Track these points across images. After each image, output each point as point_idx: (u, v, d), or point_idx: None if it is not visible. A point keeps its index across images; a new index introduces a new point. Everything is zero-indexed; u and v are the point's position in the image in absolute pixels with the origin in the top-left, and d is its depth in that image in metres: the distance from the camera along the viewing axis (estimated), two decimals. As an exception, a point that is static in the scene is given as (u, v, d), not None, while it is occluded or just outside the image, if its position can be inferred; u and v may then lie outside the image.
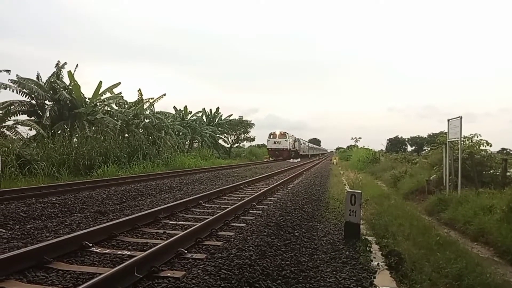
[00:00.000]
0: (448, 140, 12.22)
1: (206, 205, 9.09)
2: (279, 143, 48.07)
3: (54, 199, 8.93)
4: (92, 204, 8.92)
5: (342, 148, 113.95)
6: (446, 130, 12.69)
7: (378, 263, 5.22)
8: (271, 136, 48.94)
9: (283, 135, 48.73)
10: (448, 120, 11.98)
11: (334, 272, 4.68)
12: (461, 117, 11.09)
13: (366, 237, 6.69)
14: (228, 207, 8.05)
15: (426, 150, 37.38)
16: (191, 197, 9.36)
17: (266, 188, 12.04)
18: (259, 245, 5.17)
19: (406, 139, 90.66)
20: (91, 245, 4.96)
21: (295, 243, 5.88)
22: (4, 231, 6.12)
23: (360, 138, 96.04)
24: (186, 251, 4.85)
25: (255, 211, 8.29)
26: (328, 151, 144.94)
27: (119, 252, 4.82)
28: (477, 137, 13.67)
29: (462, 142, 11.75)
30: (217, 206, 8.98)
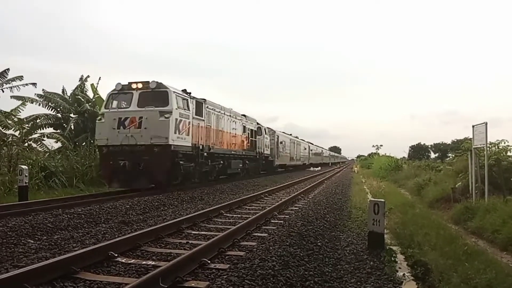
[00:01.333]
0: (473, 146, 11.93)
1: (228, 215, 9.13)
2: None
3: (79, 210, 9.12)
4: (116, 214, 9.06)
5: (363, 156, 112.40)
6: (470, 136, 12.40)
7: (404, 274, 5.12)
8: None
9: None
10: (473, 126, 11.70)
11: (359, 283, 4.61)
12: (486, 123, 10.81)
13: (391, 247, 6.56)
14: (249, 217, 8.06)
15: (451, 157, 36.54)
16: (213, 207, 9.43)
17: (287, 198, 12.00)
18: (282, 255, 5.15)
19: (429, 146, 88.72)
20: (116, 255, 5.05)
21: (318, 253, 5.82)
22: (32, 241, 6.29)
23: (381, 145, 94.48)
24: (209, 261, 4.88)
25: (276, 221, 8.27)
26: (349, 159, 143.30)
27: (144, 262, 4.89)
28: (504, 142, 13.30)
29: (488, 149, 11.44)
30: (239, 216, 9.01)
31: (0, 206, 9.66)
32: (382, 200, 6.62)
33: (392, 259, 5.79)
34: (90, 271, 4.49)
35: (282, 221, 8.14)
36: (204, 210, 8.85)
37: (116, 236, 6.45)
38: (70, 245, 5.91)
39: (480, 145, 11.38)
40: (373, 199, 6.78)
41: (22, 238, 6.42)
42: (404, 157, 48.59)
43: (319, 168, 48.69)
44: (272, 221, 8.30)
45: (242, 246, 5.95)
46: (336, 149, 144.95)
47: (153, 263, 4.88)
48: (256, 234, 6.93)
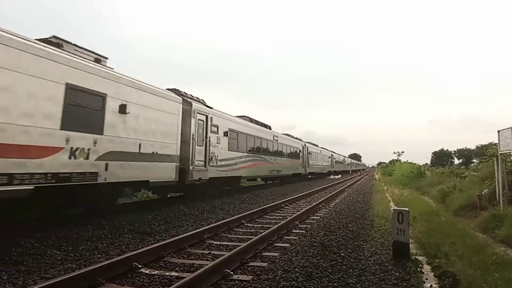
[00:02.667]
0: (499, 152, 11.60)
1: (249, 224, 9.11)
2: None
3: (103, 220, 9.26)
4: (139, 225, 9.16)
5: (384, 163, 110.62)
6: (495, 141, 12.08)
7: (431, 285, 4.99)
8: None
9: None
10: (498, 132, 11.40)
11: (385, 295, 4.52)
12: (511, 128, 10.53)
13: (416, 257, 6.41)
14: (271, 227, 8.03)
15: (475, 163, 35.58)
16: (234, 217, 9.43)
17: (308, 207, 11.90)
18: (305, 266, 5.11)
19: (453, 152, 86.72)
20: (140, 266, 5.10)
21: (341, 263, 5.74)
22: (58, 252, 6.41)
23: (402, 152, 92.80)
24: (232, 273, 4.87)
25: (298, 231, 8.20)
26: (370, 166, 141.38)
27: (167, 274, 4.92)
28: (532, 148, 12.86)
29: (515, 154, 11.11)
30: (260, 225, 8.98)
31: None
32: (406, 209, 6.49)
33: (418, 269, 5.65)
34: (115, 282, 4.55)
35: (303, 231, 8.08)
36: (225, 220, 8.86)
37: (140, 246, 6.52)
38: (95, 256, 6.01)
39: (507, 150, 11.07)
40: (397, 208, 6.65)
41: (48, 249, 6.55)
42: (426, 163, 47.56)
43: (339, 176, 48.18)
44: (293, 231, 8.24)
45: (265, 256, 5.92)
46: (356, 157, 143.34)
47: (177, 274, 4.90)
48: (278, 244, 6.88)
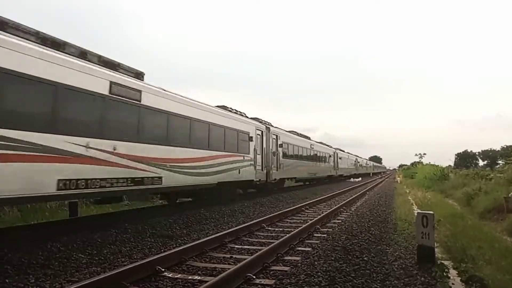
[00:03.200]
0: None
1: (269, 228, 9.09)
2: None
3: (126, 224, 9.40)
4: (161, 228, 9.26)
5: (406, 165, 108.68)
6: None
7: (458, 290, 4.86)
8: None
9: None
10: (526, 132, 11.06)
11: (410, 300, 4.42)
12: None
13: (442, 261, 6.26)
14: (292, 231, 7.98)
15: (501, 164, 34.59)
16: (254, 221, 9.42)
17: (328, 210, 11.79)
18: (328, 271, 5.05)
19: (477, 153, 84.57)
20: (163, 270, 5.15)
21: (364, 268, 5.65)
22: (83, 256, 6.53)
23: (424, 154, 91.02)
24: (254, 277, 4.86)
25: (319, 235, 8.14)
26: (390, 168, 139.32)
27: (190, 277, 4.95)
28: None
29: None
30: (280, 229, 8.95)
31: (53, 222, 10.18)
32: (431, 212, 6.35)
33: (444, 274, 5.51)
34: (139, 286, 4.60)
35: (325, 235, 8.00)
36: (245, 224, 8.86)
37: (162, 250, 6.59)
38: (119, 260, 6.10)
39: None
40: (421, 211, 6.52)
41: (73, 253, 6.68)
42: (450, 165, 46.54)
43: (360, 178, 47.65)
44: (315, 234, 8.18)
45: (286, 261, 5.89)
46: (376, 159, 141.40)
47: (199, 278, 4.93)
48: (299, 248, 6.84)
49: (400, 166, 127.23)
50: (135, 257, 6.23)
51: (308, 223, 8.87)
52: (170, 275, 5.06)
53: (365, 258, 6.16)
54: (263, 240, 7.61)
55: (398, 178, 46.08)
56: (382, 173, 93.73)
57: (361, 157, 68.46)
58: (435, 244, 6.72)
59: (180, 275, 5.10)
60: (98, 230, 8.76)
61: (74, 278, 5.00)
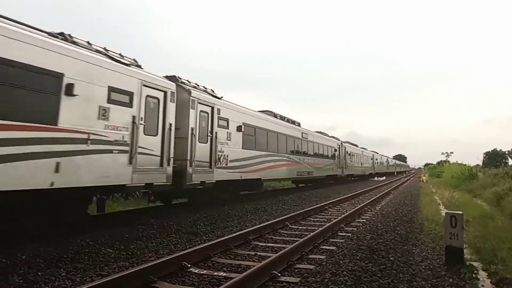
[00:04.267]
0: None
1: (293, 226, 9.07)
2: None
3: (152, 221, 9.57)
4: (186, 225, 9.38)
5: (432, 164, 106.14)
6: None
7: (488, 292, 4.73)
8: None
9: None
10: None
11: (439, 302, 4.34)
12: None
13: (471, 262, 6.10)
14: (315, 229, 7.96)
15: (533, 164, 33.37)
16: (277, 219, 9.42)
17: (353, 209, 11.67)
18: (353, 270, 5.01)
19: (506, 152, 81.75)
20: (189, 265, 5.22)
21: (390, 268, 5.58)
22: (111, 251, 6.70)
23: (451, 152, 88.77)
24: (279, 274, 4.87)
25: (344, 234, 8.07)
26: (416, 167, 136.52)
27: (216, 273, 5.01)
28: None
29: None
30: (304, 228, 8.92)
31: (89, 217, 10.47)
32: (460, 212, 6.20)
33: (474, 275, 5.38)
34: (166, 281, 4.69)
35: (350, 234, 7.93)
36: (269, 222, 8.88)
37: (187, 246, 6.68)
38: (146, 255, 6.22)
39: None
40: (450, 212, 6.37)
41: (102, 248, 6.85)
42: (478, 164, 45.18)
43: (384, 177, 46.84)
44: (339, 233, 8.12)
45: (311, 259, 5.88)
46: (401, 158, 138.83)
47: (225, 274, 4.98)
48: (324, 247, 6.81)
49: (426, 165, 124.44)
50: (162, 252, 6.34)
51: (332, 222, 8.82)
52: (196, 271, 5.13)
53: (391, 258, 6.08)
54: (287, 238, 7.61)
55: (423, 178, 45.05)
56: (406, 172, 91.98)
57: (381, 154, 59.37)
58: (464, 245, 6.56)
59: (205, 271, 5.16)
60: (125, 226, 8.97)
61: (103, 272, 5.13)
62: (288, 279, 4.78)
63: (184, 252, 5.63)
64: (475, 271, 5.57)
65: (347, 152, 33.01)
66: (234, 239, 6.89)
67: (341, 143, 31.45)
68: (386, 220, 9.75)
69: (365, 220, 9.98)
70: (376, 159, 50.90)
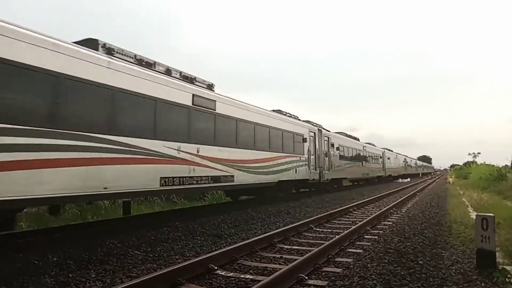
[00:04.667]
0: None
1: (318, 229, 9.01)
2: None
3: (177, 223, 9.69)
4: (210, 227, 9.46)
5: (458, 165, 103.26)
6: None
7: (524, 298, 4.57)
8: None
9: None
10: None
11: (472, 307, 4.22)
12: None
13: (504, 266, 5.91)
14: (341, 232, 7.88)
15: None
16: (301, 221, 9.37)
17: (378, 212, 11.49)
18: (382, 274, 4.93)
19: (537, 152, 78.73)
20: (216, 268, 5.25)
21: (420, 272, 5.46)
22: (138, 253, 6.81)
23: (479, 153, 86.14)
24: (306, 277, 4.84)
25: (370, 236, 7.95)
26: (441, 169, 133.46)
27: (242, 276, 5.02)
28: None
29: None
30: (329, 230, 8.84)
31: (109, 220, 10.71)
32: (491, 214, 6.01)
33: (507, 280, 5.20)
34: (194, 283, 4.73)
35: (376, 237, 7.81)
36: (293, 224, 8.84)
37: (213, 249, 6.73)
38: (172, 257, 6.29)
39: None
40: (481, 214, 6.19)
41: (129, 250, 6.98)
42: (506, 165, 43.68)
43: (409, 179, 45.95)
44: (365, 236, 8.01)
45: (338, 262, 5.81)
46: (425, 159, 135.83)
47: (251, 277, 4.98)
48: (350, 250, 6.73)
49: (452, 166, 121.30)
50: (188, 254, 6.40)
51: (357, 225, 8.70)
52: (223, 273, 5.16)
53: (420, 262, 5.95)
54: (312, 241, 7.56)
55: (450, 179, 43.92)
56: (431, 173, 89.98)
57: (409, 157, 65.72)
58: (496, 248, 6.36)
59: (232, 273, 5.18)
60: (151, 228, 9.11)
61: (132, 274, 5.22)
62: (316, 282, 4.74)
63: (211, 254, 5.67)
64: (509, 275, 5.38)
65: (388, 157, 40.66)
66: (259, 241, 6.89)
67: (384, 151, 39.79)
68: (413, 223, 9.55)
69: (391, 223, 9.81)
70: (407, 162, 57.24)
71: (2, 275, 5.20)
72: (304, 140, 18.31)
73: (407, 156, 60.46)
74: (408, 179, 45.50)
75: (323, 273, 5.20)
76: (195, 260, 5.29)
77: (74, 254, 6.46)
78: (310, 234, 8.40)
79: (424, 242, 7.52)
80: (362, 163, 29.87)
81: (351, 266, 5.37)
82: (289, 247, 7.02)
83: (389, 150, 44.70)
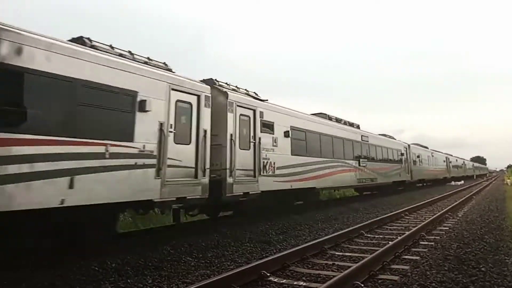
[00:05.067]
0: None
1: (369, 235, 8.76)
2: None
3: (225, 229, 9.79)
4: (258, 234, 9.47)
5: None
6: None
7: None
8: None
9: None
10: None
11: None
12: None
13: None
14: (394, 238, 7.62)
15: None
16: (352, 227, 9.16)
17: (432, 216, 11.00)
18: (442, 281, 4.70)
19: None
20: (268, 274, 5.24)
21: (483, 279, 5.14)
22: (191, 259, 6.93)
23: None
24: (362, 285, 4.71)
25: (426, 242, 7.62)
26: (497, 170, 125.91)
27: (295, 283, 4.97)
28: None
29: None
30: (381, 236, 8.57)
31: (160, 227, 11.03)
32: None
33: None
34: (248, 290, 4.74)
35: (433, 243, 7.47)
36: (344, 230, 8.66)
37: (264, 255, 6.73)
38: (224, 263, 6.35)
39: None
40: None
41: (182, 256, 7.12)
42: None
43: (462, 182, 43.69)
44: (421, 242, 7.69)
45: (394, 269, 5.61)
46: (480, 160, 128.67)
47: (305, 284, 4.92)
48: (406, 256, 6.48)
49: (509, 166, 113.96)
50: (239, 261, 6.43)
51: (411, 230, 8.37)
52: (275, 280, 5.13)
53: (483, 269, 5.61)
54: (364, 247, 7.35)
55: (508, 180, 41.26)
56: (487, 175, 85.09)
57: (455, 157, 52.00)
58: None
59: (285, 280, 5.15)
60: (201, 234, 9.26)
61: (187, 280, 5.32)
62: (373, 290, 4.60)
63: (262, 260, 5.66)
64: None
65: (416, 155, 29.38)
66: (309, 248, 6.80)
67: (408, 145, 27.97)
68: (471, 228, 9.05)
69: (448, 228, 9.34)
70: (450, 162, 45.19)
71: (66, 281, 5.48)
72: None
73: (450, 155, 47.37)
74: (462, 182, 43.26)
75: (379, 281, 5.03)
76: (248, 266, 5.31)
77: (131, 260, 6.69)
78: (362, 240, 8.18)
79: (485, 248, 7.10)
80: (358, 162, 18.61)
81: (409, 274, 5.16)
82: (340, 253, 6.88)
83: (420, 146, 33.05)
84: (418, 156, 29.07)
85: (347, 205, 16.79)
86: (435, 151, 38.27)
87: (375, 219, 10.83)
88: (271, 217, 12.14)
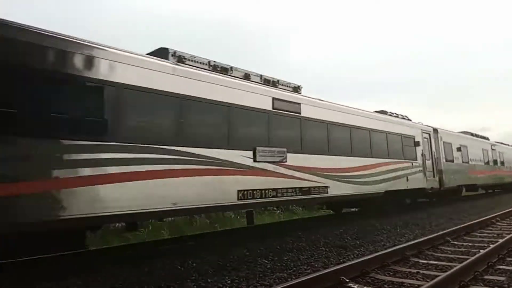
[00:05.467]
0: None
1: (456, 243, 8.11)
2: None
3: (299, 233, 9.72)
4: (333, 238, 9.26)
5: None
6: None
7: None
8: None
9: None
10: None
11: None
12: None
13: None
14: (486, 246, 6.97)
15: None
16: (435, 234, 8.56)
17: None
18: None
19: None
20: (348, 280, 5.07)
21: None
22: (266, 261, 6.97)
23: None
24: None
25: (523, 252, 6.86)
26: None
27: (377, 291, 4.75)
28: None
29: None
30: (470, 244, 7.89)
31: (234, 229, 11.28)
32: None
33: None
34: (327, 295, 4.63)
35: (531, 253, 6.71)
36: (426, 237, 8.12)
37: (341, 260, 6.55)
38: (300, 267, 6.28)
39: None
40: None
41: (258, 258, 7.19)
42: None
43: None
44: (515, 252, 6.94)
45: (488, 280, 5.12)
46: None
47: (388, 293, 4.68)
48: (501, 267, 5.88)
49: None
50: (316, 265, 6.32)
51: (505, 238, 7.60)
52: (355, 287, 4.95)
53: None
54: (451, 256, 6.81)
55: None
56: None
57: None
58: None
59: (366, 287, 4.95)
60: (275, 237, 9.29)
61: (265, 282, 5.34)
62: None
63: (341, 266, 5.50)
64: None
65: (453, 145, 23.38)
66: (390, 254, 6.46)
67: (434, 130, 20.11)
68: None
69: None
70: None
71: (154, 278, 5.82)
72: (417, 143, 15.85)
73: None
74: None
75: (473, 292, 4.63)
76: (326, 271, 5.19)
77: (211, 260, 6.92)
78: (448, 248, 7.60)
79: None
80: (494, 166, 24.80)
81: (505, 286, 4.68)
82: (425, 261, 6.45)
83: (471, 134, 23.94)
84: (459, 149, 19.93)
85: (427, 210, 15.83)
86: (502, 143, 28.56)
87: (462, 225, 9.96)
88: (344, 222, 11.81)
